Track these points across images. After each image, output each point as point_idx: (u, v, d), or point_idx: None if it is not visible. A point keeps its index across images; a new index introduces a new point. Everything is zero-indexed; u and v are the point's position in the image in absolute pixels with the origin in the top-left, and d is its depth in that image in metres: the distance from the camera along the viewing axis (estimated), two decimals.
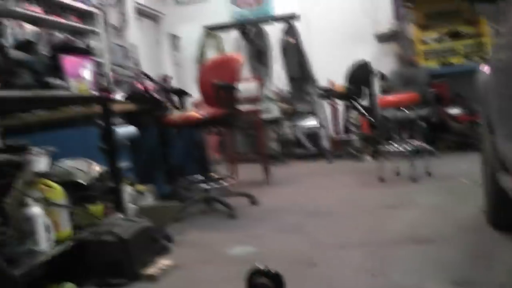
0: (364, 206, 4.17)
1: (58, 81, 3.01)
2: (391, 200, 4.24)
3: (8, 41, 3.42)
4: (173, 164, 4.95)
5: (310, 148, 7.73)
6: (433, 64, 7.07)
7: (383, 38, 7.68)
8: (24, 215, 2.52)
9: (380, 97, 5.69)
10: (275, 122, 7.53)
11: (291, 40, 8.19)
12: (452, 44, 7.15)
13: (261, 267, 1.78)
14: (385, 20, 7.69)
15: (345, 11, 8.07)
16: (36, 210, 2.54)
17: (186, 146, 5.13)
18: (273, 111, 7.31)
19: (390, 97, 5.49)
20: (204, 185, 4.46)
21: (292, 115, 7.75)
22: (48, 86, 2.79)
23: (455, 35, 7.18)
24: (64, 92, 2.86)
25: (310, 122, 7.77)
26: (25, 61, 2.69)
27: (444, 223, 3.37)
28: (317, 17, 8.23)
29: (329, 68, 7.91)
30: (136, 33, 6.77)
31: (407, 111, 5.44)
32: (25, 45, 2.83)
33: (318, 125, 7.83)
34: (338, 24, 8.12)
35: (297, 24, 8.27)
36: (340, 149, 7.51)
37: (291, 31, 8.24)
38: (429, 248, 2.91)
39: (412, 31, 7.40)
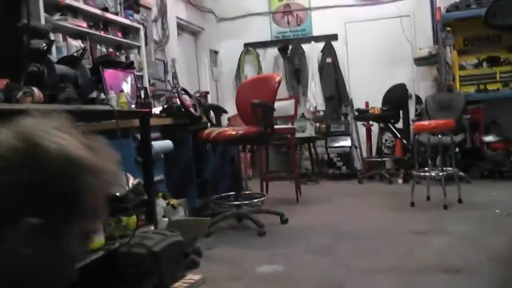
0: (394, 231, 4.16)
1: (100, 95, 3.12)
2: (421, 226, 4.22)
3: (54, 56, 3.53)
4: (205, 179, 5.02)
5: (342, 168, 7.73)
6: (469, 90, 7.02)
7: (421, 61, 7.65)
8: None
9: (416, 122, 5.67)
10: (308, 140, 7.56)
11: (329, 60, 8.23)
12: (490, 70, 7.10)
13: None
14: (425, 44, 7.67)
15: (384, 33, 8.09)
16: None
17: (219, 162, 5.20)
18: (308, 130, 7.34)
19: (426, 122, 5.47)
20: (235, 201, 4.51)
21: (326, 134, 7.76)
22: (90, 100, 2.89)
23: (494, 61, 7.13)
24: (104, 106, 2.96)
25: (344, 143, 7.77)
26: (69, 76, 2.80)
27: (473, 253, 3.35)
28: (356, 38, 8.28)
29: (365, 89, 7.95)
30: (176, 48, 6.90)
31: (441, 137, 5.42)
32: (70, 60, 2.93)
33: (351, 146, 7.83)
34: (377, 46, 8.14)
35: (336, 45, 8.32)
36: (372, 171, 7.49)
37: (329, 51, 8.29)
38: (457, 278, 2.90)
39: (451, 55, 7.39)
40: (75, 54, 3.15)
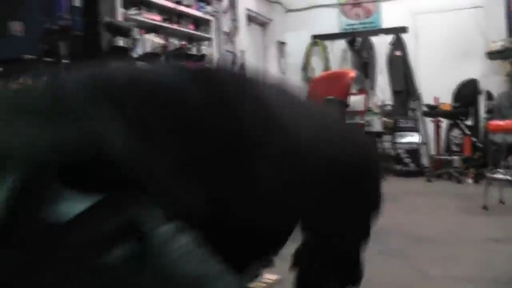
0: (468, 236, 4.04)
1: None
2: (496, 233, 4.07)
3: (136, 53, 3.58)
4: None
5: (409, 165, 7.57)
6: None
7: (494, 55, 7.38)
8: None
9: (491, 121, 5.47)
10: (376, 136, 7.43)
11: (398, 53, 8.06)
12: None
13: None
14: (498, 37, 7.38)
15: (456, 25, 7.83)
16: None
17: None
18: (375, 124, 7.22)
19: (502, 122, 5.27)
20: None
21: (394, 130, 7.61)
22: None
23: None
24: None
25: (412, 139, 7.61)
26: None
27: None
28: (426, 31, 8.05)
29: (435, 84, 7.72)
30: (245, 40, 6.90)
31: None
32: (150, 57, 2.96)
33: (420, 142, 7.65)
34: (448, 39, 7.89)
35: (405, 37, 8.13)
36: (440, 169, 7.30)
37: (398, 44, 8.11)
38: None
39: None
40: (156, 51, 3.17)
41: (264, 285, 2.86)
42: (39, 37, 2.26)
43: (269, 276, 2.98)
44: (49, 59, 2.29)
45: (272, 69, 8.10)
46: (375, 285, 2.37)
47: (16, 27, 2.35)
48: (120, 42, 2.70)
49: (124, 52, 2.69)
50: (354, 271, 1.26)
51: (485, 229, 4.23)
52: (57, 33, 2.25)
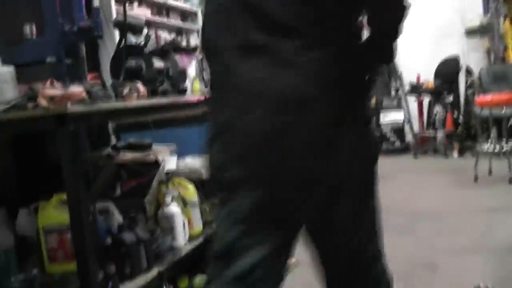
0: (465, 208, 4.19)
1: (186, 85, 3.20)
2: (492, 203, 4.23)
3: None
4: None
5: (395, 143, 7.72)
6: None
7: (472, 33, 7.55)
8: (164, 213, 2.70)
9: (478, 97, 5.62)
10: None
11: None
12: None
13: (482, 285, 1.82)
14: (475, 14, 7.53)
15: (433, 5, 7.95)
16: (175, 208, 2.71)
17: None
18: None
19: (489, 97, 5.41)
20: None
21: (377, 109, 7.74)
22: (182, 91, 2.97)
23: None
24: (195, 97, 3.03)
25: (397, 116, 7.75)
26: (163, 69, 2.87)
27: None
28: None
29: (416, 63, 7.85)
30: None
31: (505, 109, 5.36)
32: (161, 53, 3.00)
33: (404, 120, 7.80)
34: (426, 18, 8.00)
35: None
36: (425, 145, 7.47)
37: None
38: None
39: (503, 25, 7.24)
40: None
41: None
42: (58, 40, 2.28)
43: None
44: (69, 61, 2.33)
45: None
46: (390, 260, 2.47)
47: (33, 30, 2.38)
48: (133, 40, 2.74)
49: (138, 50, 2.73)
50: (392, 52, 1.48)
51: (480, 200, 4.39)
52: (76, 34, 2.28)
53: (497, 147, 5.53)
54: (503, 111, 5.32)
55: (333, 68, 1.24)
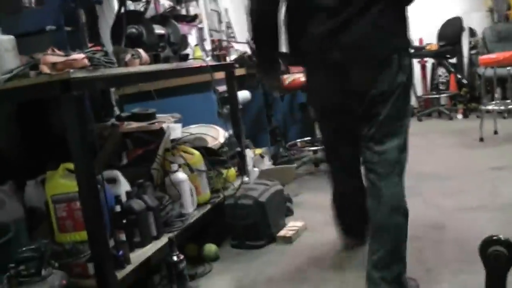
0: (471, 168, 4.15)
1: (188, 51, 3.17)
2: (497, 162, 4.20)
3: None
4: (275, 127, 5.06)
5: None
6: None
7: None
8: (172, 181, 2.69)
9: (482, 57, 5.55)
10: None
11: None
12: None
13: (495, 236, 1.82)
14: None
15: None
16: (182, 175, 2.71)
17: (288, 109, 5.23)
18: None
19: (493, 56, 5.35)
20: (311, 147, 4.56)
21: None
22: (184, 56, 2.94)
23: None
24: (198, 63, 3.01)
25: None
26: (164, 35, 2.84)
27: None
28: None
29: (419, 25, 7.73)
30: None
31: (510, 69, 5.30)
32: (161, 20, 2.96)
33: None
34: None
35: None
36: (429, 108, 7.43)
37: None
38: None
39: None
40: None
41: (294, 231, 2.95)
42: (57, 7, 2.24)
43: (295, 224, 3.08)
44: (69, 28, 2.28)
45: None
46: None
47: None
48: (131, 6, 2.70)
49: (139, 15, 2.69)
50: None
51: (486, 159, 4.36)
52: (76, 1, 2.24)
53: (502, 107, 5.49)
54: (507, 70, 5.26)
55: None
